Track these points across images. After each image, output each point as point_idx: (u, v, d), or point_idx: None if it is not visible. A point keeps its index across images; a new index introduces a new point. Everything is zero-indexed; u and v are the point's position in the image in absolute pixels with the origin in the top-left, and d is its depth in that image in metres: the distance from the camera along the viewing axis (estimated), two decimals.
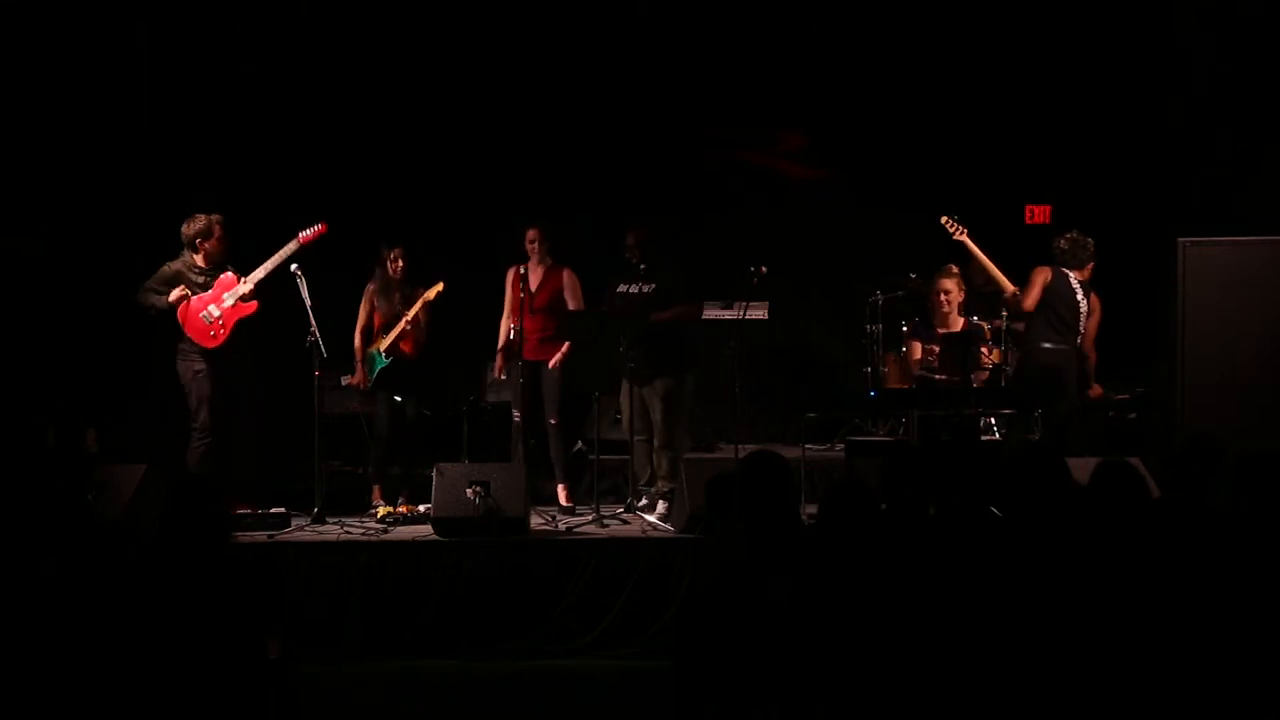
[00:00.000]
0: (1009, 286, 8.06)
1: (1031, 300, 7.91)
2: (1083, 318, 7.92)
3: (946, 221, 8.18)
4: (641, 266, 8.00)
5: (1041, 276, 7.92)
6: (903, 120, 9.77)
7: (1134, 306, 8.45)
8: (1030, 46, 9.57)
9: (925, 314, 8.58)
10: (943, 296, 8.34)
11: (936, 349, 8.26)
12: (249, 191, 9.09)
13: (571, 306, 8.03)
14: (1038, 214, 9.59)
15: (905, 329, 8.60)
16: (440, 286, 7.97)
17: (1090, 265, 8.02)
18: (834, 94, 9.84)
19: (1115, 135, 9.56)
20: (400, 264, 8.02)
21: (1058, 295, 7.89)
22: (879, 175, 9.71)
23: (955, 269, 8.40)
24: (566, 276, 8.09)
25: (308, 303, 7.63)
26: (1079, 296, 7.91)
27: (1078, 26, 9.50)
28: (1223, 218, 8.42)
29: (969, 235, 8.12)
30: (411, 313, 7.95)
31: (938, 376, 8.15)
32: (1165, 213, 8.95)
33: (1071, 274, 7.94)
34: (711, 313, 9.11)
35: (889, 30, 9.70)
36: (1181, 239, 8.12)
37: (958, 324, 8.30)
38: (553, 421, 8.05)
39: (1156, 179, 9.34)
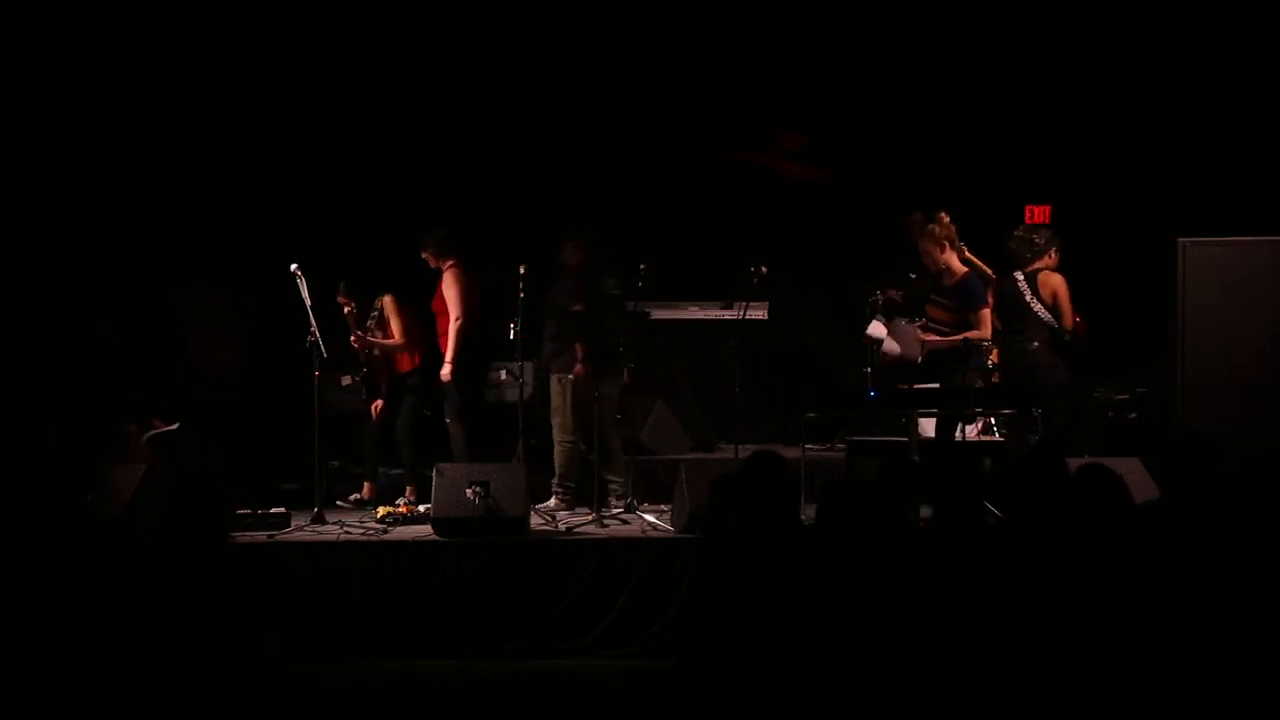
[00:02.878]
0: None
1: (989, 316, 7.86)
2: (1039, 312, 7.85)
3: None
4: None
5: (990, 294, 7.96)
6: (903, 120, 9.77)
7: (1134, 306, 8.45)
8: (1030, 47, 9.57)
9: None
10: (925, 259, 7.99)
11: (942, 310, 7.95)
12: (250, 192, 9.12)
13: (449, 305, 8.08)
14: (1038, 214, 9.57)
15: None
16: (339, 300, 8.07)
17: (1045, 256, 7.91)
18: (834, 94, 9.83)
19: (1116, 135, 9.56)
20: (347, 310, 8.11)
21: (1004, 300, 7.91)
22: (879, 175, 9.70)
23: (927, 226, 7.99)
24: (445, 276, 8.15)
25: (308, 303, 7.64)
26: (1022, 291, 7.85)
27: (1078, 26, 9.50)
28: (1223, 218, 8.42)
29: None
30: (353, 338, 8.15)
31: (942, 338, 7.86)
32: (1165, 213, 8.95)
33: (1018, 274, 7.92)
34: (711, 313, 9.13)
35: (889, 30, 9.70)
36: (1181, 239, 8.12)
37: (958, 270, 7.84)
38: (447, 420, 8.23)
39: (1157, 179, 9.34)
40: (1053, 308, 7.86)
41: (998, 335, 8.05)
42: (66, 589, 4.09)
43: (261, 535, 7.04)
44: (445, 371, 8.13)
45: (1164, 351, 8.23)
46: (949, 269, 7.83)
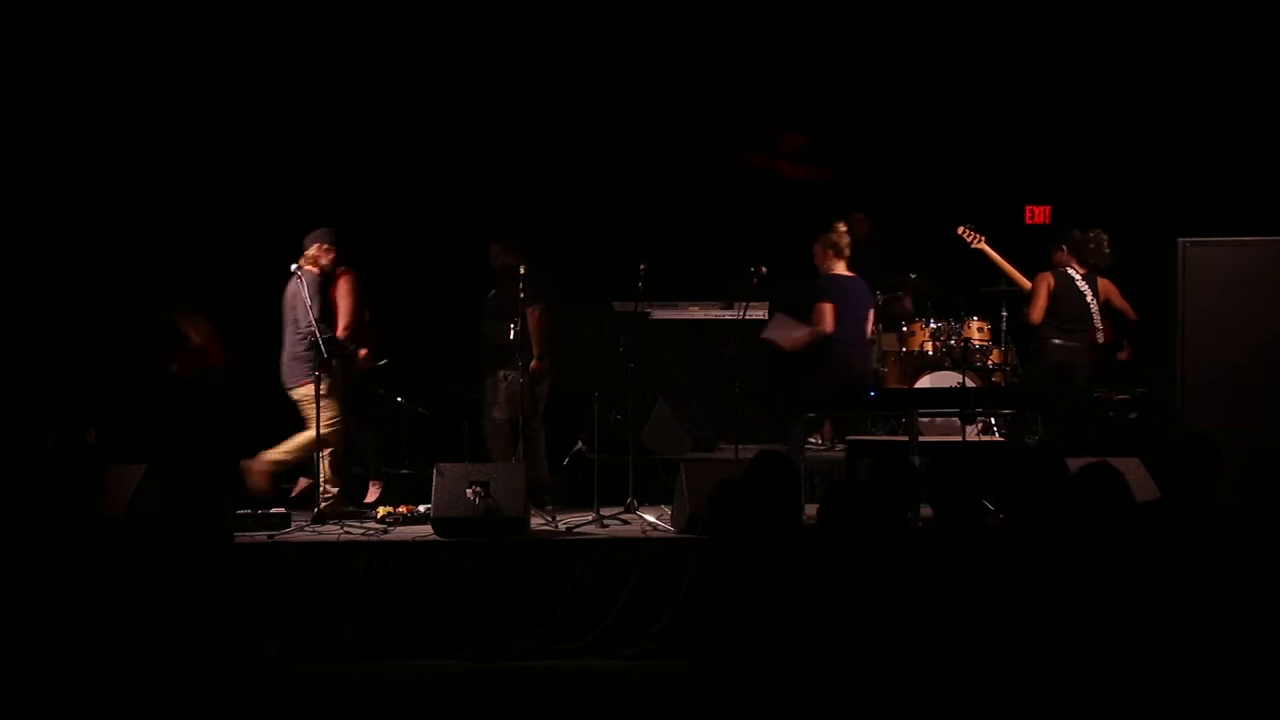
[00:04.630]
0: (1028, 285, 8.19)
1: (1039, 311, 8.00)
2: (1094, 313, 8.00)
3: (963, 231, 8.33)
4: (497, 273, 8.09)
5: (1045, 284, 8.00)
6: (903, 120, 9.78)
7: (1134, 306, 8.45)
8: (1030, 47, 9.58)
9: None
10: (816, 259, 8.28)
11: None
12: (251, 191, 9.12)
13: (341, 313, 7.88)
14: (1038, 214, 9.59)
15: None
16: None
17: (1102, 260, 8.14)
18: (835, 94, 9.84)
19: (1116, 136, 9.57)
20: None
21: (1064, 298, 8.00)
22: (879, 175, 9.71)
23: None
24: (340, 283, 7.97)
25: (308, 303, 7.63)
26: (1082, 289, 7.98)
27: (1078, 27, 9.50)
28: (1223, 218, 8.43)
29: (986, 241, 8.30)
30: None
31: None
32: (1165, 213, 8.96)
33: (1075, 272, 7.99)
34: (711, 313, 9.13)
35: (890, 31, 9.71)
36: (1181, 239, 8.12)
37: (826, 272, 8.18)
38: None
39: (1156, 179, 9.35)
40: (1105, 309, 8.08)
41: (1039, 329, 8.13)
42: (66, 589, 4.09)
43: (261, 535, 7.03)
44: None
45: (1164, 351, 8.24)
46: (833, 268, 8.07)
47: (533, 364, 7.91)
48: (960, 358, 8.60)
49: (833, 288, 8.04)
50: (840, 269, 8.10)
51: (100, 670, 3.92)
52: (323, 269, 7.72)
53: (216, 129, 9.22)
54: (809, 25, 9.71)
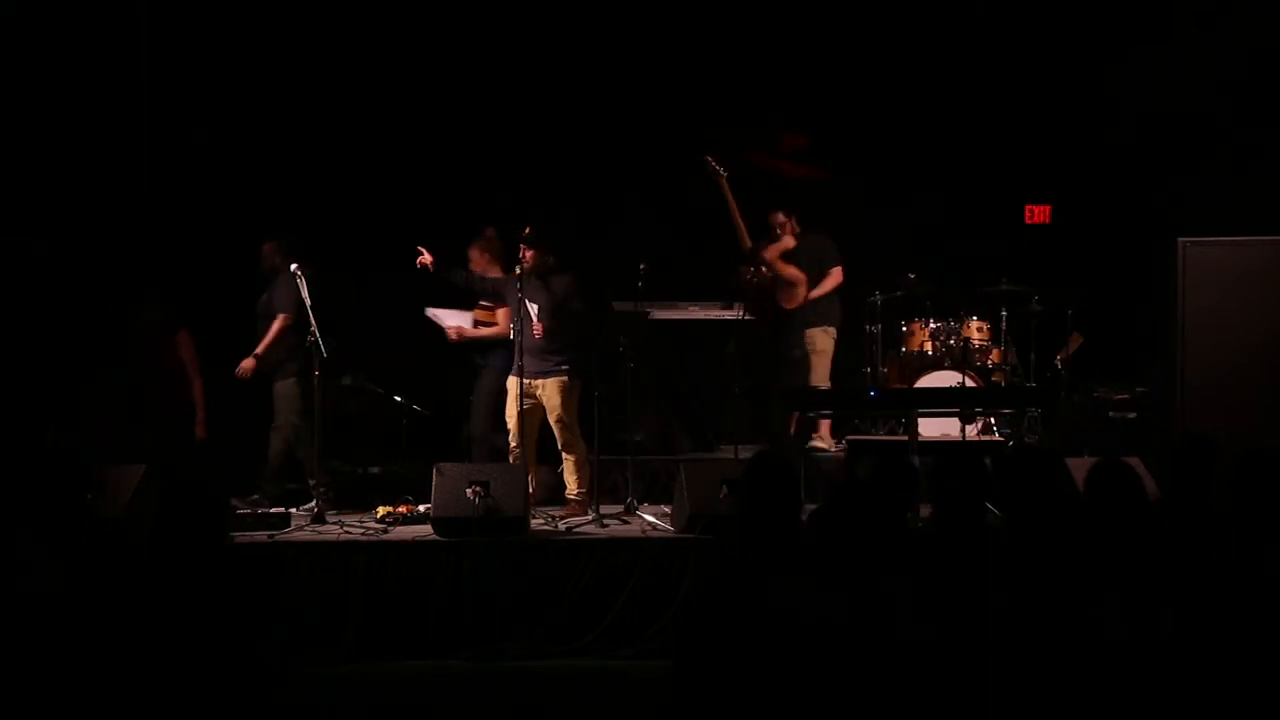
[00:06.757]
0: (747, 242, 8.66)
1: (821, 293, 8.63)
2: None
3: (710, 161, 8.62)
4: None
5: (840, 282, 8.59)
6: (903, 120, 9.77)
7: (1134, 306, 8.45)
8: (1030, 46, 9.58)
9: None
10: (475, 264, 8.43)
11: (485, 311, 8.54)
12: (253, 191, 9.12)
13: (192, 368, 8.45)
14: (1038, 214, 9.58)
15: None
16: None
17: None
18: (835, 94, 9.84)
19: (1116, 135, 9.56)
20: None
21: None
22: (879, 175, 9.70)
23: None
24: (183, 337, 8.46)
25: (308, 303, 7.63)
26: None
27: (1077, 26, 9.50)
28: (1223, 218, 8.43)
29: (727, 181, 8.62)
30: None
31: None
32: (1165, 213, 8.96)
33: None
34: (711, 313, 9.15)
35: (890, 30, 9.71)
36: (1181, 239, 8.12)
37: (496, 275, 8.36)
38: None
39: (1157, 179, 9.35)
40: None
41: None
42: (65, 589, 4.09)
43: (261, 535, 7.03)
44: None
45: (1164, 351, 8.24)
46: (490, 272, 8.26)
47: (244, 362, 8.21)
48: (960, 358, 8.60)
49: (498, 290, 8.19)
50: (497, 270, 8.29)
51: (99, 670, 3.91)
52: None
53: (215, 127, 9.23)
54: (810, 25, 9.71)
